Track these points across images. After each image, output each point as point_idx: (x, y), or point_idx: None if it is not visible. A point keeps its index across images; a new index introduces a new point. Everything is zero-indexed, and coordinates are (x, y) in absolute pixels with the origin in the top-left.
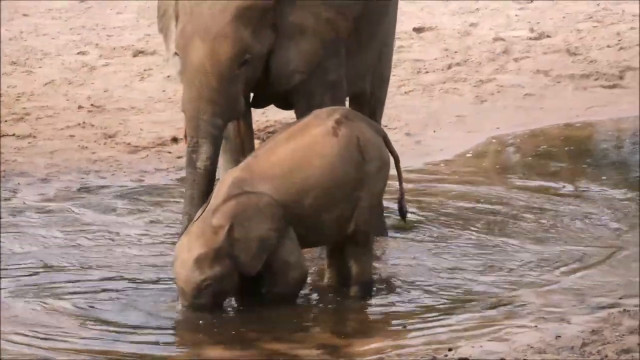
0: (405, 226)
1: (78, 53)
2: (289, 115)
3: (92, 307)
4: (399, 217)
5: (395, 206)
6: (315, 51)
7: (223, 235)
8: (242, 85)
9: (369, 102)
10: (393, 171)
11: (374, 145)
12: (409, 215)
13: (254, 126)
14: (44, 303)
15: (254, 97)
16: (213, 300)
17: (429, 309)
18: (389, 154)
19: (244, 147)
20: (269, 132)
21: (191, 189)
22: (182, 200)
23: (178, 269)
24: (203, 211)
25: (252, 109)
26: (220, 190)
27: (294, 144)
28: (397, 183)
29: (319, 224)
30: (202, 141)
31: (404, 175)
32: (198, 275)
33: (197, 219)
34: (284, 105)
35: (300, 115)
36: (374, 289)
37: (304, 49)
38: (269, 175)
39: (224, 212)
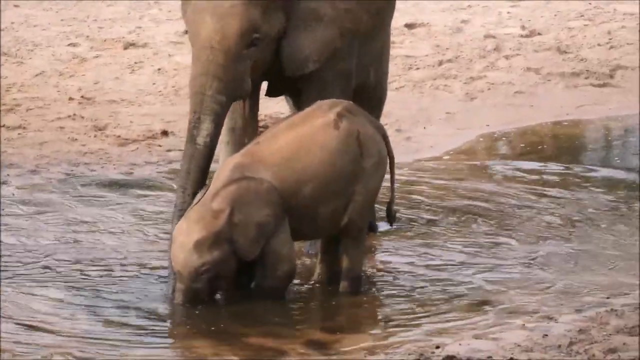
0: (395, 222)
1: (69, 45)
2: (279, 109)
3: (80, 298)
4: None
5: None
6: (332, 40)
7: (224, 219)
8: (249, 66)
9: (374, 91)
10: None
11: (373, 141)
12: (401, 211)
13: None
14: (31, 294)
15: (267, 85)
16: (209, 286)
17: (417, 306)
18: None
19: (247, 138)
20: (260, 127)
21: (188, 163)
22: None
23: (176, 253)
24: (202, 196)
25: (258, 101)
26: (221, 175)
27: (295, 133)
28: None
29: (314, 216)
30: (204, 117)
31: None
32: (197, 259)
33: (196, 204)
34: (297, 94)
35: (309, 104)
36: (364, 285)
37: (320, 37)
38: (270, 162)
39: (224, 197)
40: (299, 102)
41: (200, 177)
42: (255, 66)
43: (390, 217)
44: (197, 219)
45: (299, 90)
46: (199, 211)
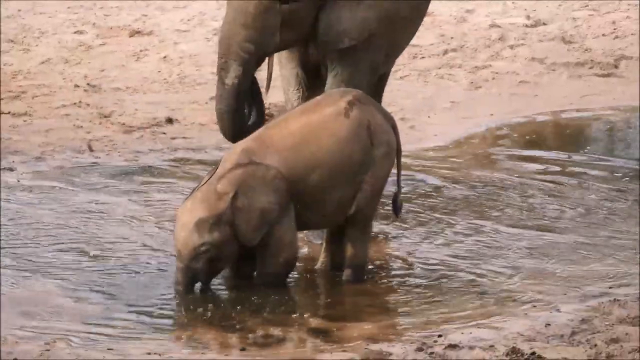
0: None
1: (75, 32)
2: (283, 98)
3: (84, 286)
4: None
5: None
6: (369, 23)
7: (227, 201)
8: (279, 21)
9: (385, 80)
10: None
11: (383, 130)
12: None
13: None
14: (36, 281)
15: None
16: (208, 267)
17: (420, 295)
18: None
19: None
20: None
21: (219, 103)
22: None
23: (178, 231)
24: (209, 177)
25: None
26: (228, 159)
27: (305, 120)
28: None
29: (322, 203)
30: (231, 61)
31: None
32: (197, 239)
33: (202, 184)
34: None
35: (331, 87)
36: (366, 274)
37: (359, 16)
38: (279, 147)
39: (230, 180)
40: (320, 89)
41: (234, 118)
42: (291, 27)
43: (396, 209)
44: (202, 199)
45: (325, 75)
46: (204, 191)
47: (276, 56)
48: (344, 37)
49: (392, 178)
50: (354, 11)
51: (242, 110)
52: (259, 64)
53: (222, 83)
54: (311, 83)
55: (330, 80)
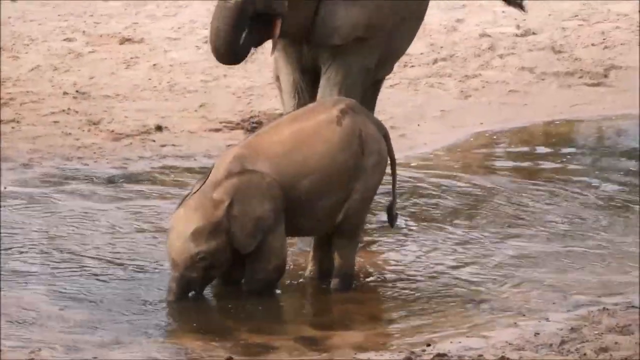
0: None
1: (65, 39)
2: (273, 106)
3: (72, 293)
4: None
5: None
6: (359, 24)
7: (223, 210)
8: None
9: (380, 85)
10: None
11: (374, 139)
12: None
13: (238, 117)
14: (23, 289)
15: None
16: (203, 275)
17: (408, 303)
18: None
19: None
20: (254, 123)
21: (217, 21)
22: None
23: (173, 240)
24: (201, 185)
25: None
26: (220, 166)
27: (297, 127)
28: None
29: (313, 210)
30: None
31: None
32: (193, 248)
33: (194, 192)
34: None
35: (326, 90)
36: (355, 282)
37: (351, 16)
38: (270, 153)
39: (226, 188)
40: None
41: (230, 37)
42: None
43: (391, 219)
44: (196, 207)
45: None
46: (198, 200)
47: (273, 62)
48: (335, 34)
49: (387, 188)
50: (348, 10)
51: (240, 32)
52: None
53: (225, 2)
54: (309, 90)
55: (323, 83)
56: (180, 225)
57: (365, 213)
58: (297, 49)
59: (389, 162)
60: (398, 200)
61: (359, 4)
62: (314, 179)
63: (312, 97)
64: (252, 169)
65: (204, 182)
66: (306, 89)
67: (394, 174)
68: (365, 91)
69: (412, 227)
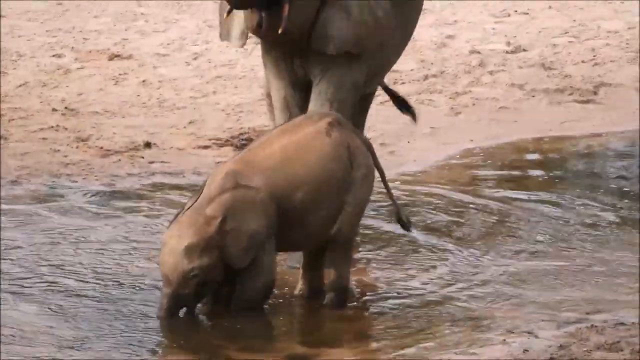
0: (377, 237)
1: (53, 55)
2: (263, 122)
3: (60, 310)
4: (372, 230)
5: (371, 221)
6: (349, 38)
7: (215, 226)
8: None
9: (371, 99)
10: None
11: (361, 153)
12: (384, 227)
13: (227, 134)
14: (10, 305)
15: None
16: (195, 292)
17: (398, 321)
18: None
19: None
20: (243, 140)
21: None
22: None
23: (166, 256)
24: (193, 202)
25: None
26: (213, 182)
27: (287, 140)
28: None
29: (305, 223)
30: None
31: (380, 185)
32: (187, 264)
33: (186, 209)
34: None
35: (317, 103)
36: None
37: (344, 28)
38: (262, 167)
39: (219, 204)
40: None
41: None
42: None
43: (404, 225)
44: (189, 223)
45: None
46: (191, 216)
47: (264, 76)
48: (330, 43)
49: (378, 204)
50: (342, 22)
51: None
52: None
53: None
54: (300, 105)
55: (314, 98)
56: (173, 242)
57: (356, 227)
58: (289, 62)
59: (377, 176)
60: (387, 216)
61: (352, 18)
62: (306, 191)
63: (303, 112)
64: (246, 184)
65: (197, 198)
66: (297, 104)
67: (386, 185)
68: (354, 106)
69: (402, 245)
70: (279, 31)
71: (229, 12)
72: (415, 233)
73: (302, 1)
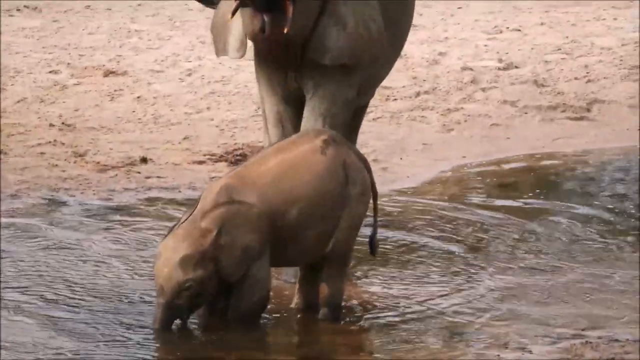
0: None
1: (50, 72)
2: (257, 138)
3: (57, 324)
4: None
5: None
6: (344, 52)
7: (211, 239)
8: None
9: (363, 114)
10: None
11: (357, 169)
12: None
13: (222, 149)
14: (9, 318)
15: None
16: (189, 303)
17: (392, 335)
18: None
19: None
20: (238, 155)
21: None
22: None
23: (160, 268)
24: (188, 215)
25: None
26: (208, 196)
27: (282, 157)
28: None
29: (300, 239)
30: None
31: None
32: (181, 275)
33: (182, 222)
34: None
35: (308, 120)
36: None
37: (340, 40)
38: (258, 183)
39: (214, 217)
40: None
41: None
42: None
43: (373, 248)
44: (184, 236)
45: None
46: (186, 229)
47: (259, 92)
48: (327, 54)
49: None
50: (339, 34)
51: None
52: None
53: None
54: (293, 120)
55: (307, 113)
56: (169, 253)
57: (352, 243)
58: (282, 77)
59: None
60: (381, 231)
61: (347, 30)
62: (302, 207)
63: (296, 128)
64: (240, 200)
65: (192, 211)
66: (290, 119)
67: (375, 205)
68: (348, 120)
69: (397, 259)
70: (284, 31)
71: (234, 13)
72: (408, 248)
73: (304, 4)
